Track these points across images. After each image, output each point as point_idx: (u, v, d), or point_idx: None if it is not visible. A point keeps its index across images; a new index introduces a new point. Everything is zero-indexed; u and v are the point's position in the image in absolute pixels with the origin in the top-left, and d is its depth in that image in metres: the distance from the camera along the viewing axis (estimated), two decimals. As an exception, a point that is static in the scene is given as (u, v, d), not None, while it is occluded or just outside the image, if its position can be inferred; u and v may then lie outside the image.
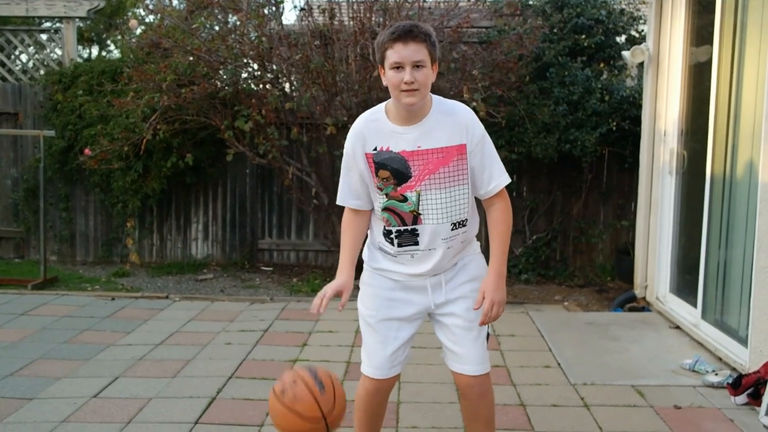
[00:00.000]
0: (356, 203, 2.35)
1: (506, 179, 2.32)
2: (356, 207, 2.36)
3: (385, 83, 2.21)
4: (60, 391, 3.57)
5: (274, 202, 7.13)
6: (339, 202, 2.38)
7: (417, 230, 2.29)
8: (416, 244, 2.31)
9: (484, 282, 2.29)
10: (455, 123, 2.24)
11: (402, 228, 2.30)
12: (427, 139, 2.22)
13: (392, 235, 2.33)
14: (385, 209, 2.30)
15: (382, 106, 2.30)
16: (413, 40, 2.12)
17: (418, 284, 2.37)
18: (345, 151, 2.33)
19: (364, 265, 2.48)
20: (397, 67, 2.14)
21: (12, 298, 5.52)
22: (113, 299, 5.60)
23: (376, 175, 2.27)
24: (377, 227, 2.38)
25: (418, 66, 2.13)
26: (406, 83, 2.12)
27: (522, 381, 3.80)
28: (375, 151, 2.26)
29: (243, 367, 3.99)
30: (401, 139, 2.23)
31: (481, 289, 2.28)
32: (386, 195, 2.28)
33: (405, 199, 2.27)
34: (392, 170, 2.25)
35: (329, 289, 2.28)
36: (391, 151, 2.24)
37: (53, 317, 5.00)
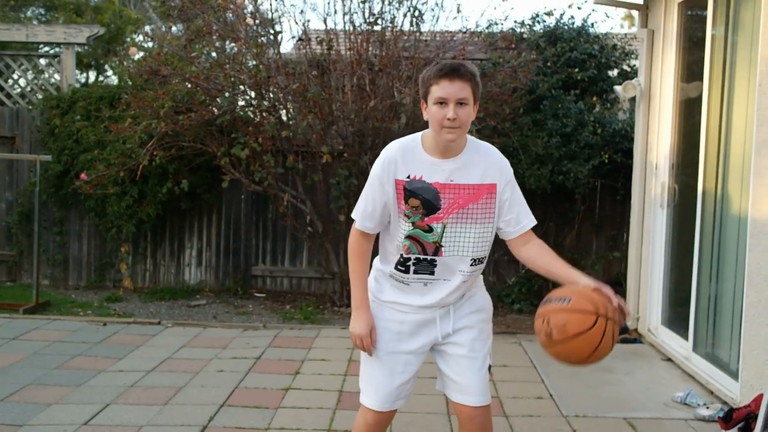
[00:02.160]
0: (371, 226, 2.35)
1: (533, 220, 2.38)
2: (370, 231, 2.36)
3: (426, 117, 2.25)
4: (51, 418, 3.55)
5: (269, 228, 7.15)
6: (358, 223, 2.36)
7: (435, 261, 2.31)
8: (432, 273, 2.33)
9: (591, 282, 2.18)
10: (489, 163, 2.30)
11: (422, 257, 2.32)
12: (461, 174, 2.26)
13: (409, 263, 2.33)
14: (409, 237, 2.31)
15: (418, 136, 2.33)
16: (459, 78, 2.16)
17: (427, 316, 2.37)
18: (373, 173, 2.31)
19: (371, 297, 2.44)
20: (441, 103, 2.18)
21: (3, 323, 5.49)
22: (105, 324, 5.58)
23: (406, 203, 2.28)
24: (392, 254, 2.37)
25: (461, 103, 2.17)
26: (449, 119, 2.16)
27: (514, 412, 3.80)
28: (408, 179, 2.27)
29: (235, 395, 3.98)
30: (435, 171, 2.26)
31: (588, 284, 2.17)
32: (412, 223, 2.29)
33: (430, 230, 2.29)
34: (423, 200, 2.27)
35: (362, 332, 2.34)
36: (424, 181, 2.26)
37: (45, 342, 4.98)
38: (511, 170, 2.35)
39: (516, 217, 2.33)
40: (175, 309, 6.42)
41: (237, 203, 7.14)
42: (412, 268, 2.33)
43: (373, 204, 2.32)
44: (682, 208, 5.00)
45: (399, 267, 2.36)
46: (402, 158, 2.28)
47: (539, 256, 2.36)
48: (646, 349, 5.15)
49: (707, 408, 3.76)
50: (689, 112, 4.98)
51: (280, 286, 7.16)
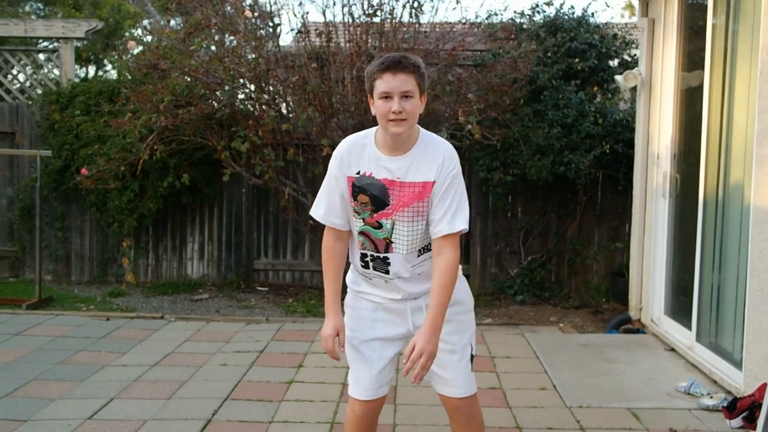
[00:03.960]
0: (338, 222, 2.35)
1: (461, 225, 2.24)
2: (338, 227, 2.36)
3: (373, 112, 2.25)
4: (55, 413, 3.56)
5: (270, 222, 7.15)
6: (321, 219, 2.36)
7: (388, 258, 2.34)
8: (387, 272, 2.35)
9: (417, 333, 2.22)
10: (434, 160, 2.26)
11: (375, 254, 2.35)
12: (408, 172, 2.26)
13: (367, 259, 2.38)
14: (361, 233, 2.35)
15: (372, 131, 2.33)
16: (402, 70, 2.16)
17: (399, 307, 2.40)
18: (330, 168, 2.35)
19: (348, 289, 2.51)
20: (386, 97, 2.17)
21: (6, 318, 5.50)
22: (108, 319, 5.58)
23: (355, 199, 2.31)
24: (355, 250, 2.42)
25: (406, 96, 2.17)
26: (393, 113, 2.16)
27: (518, 403, 3.80)
28: (358, 175, 2.30)
29: (238, 388, 3.99)
30: (384, 168, 2.27)
31: (412, 339, 2.23)
32: (362, 220, 2.32)
33: (380, 226, 2.31)
34: (371, 196, 2.29)
35: (328, 333, 2.33)
36: (373, 178, 2.28)
37: (48, 337, 4.98)
38: (454, 168, 2.26)
39: (439, 218, 2.25)
40: (178, 303, 6.43)
41: (238, 197, 7.13)
42: (370, 264, 2.37)
43: (332, 199, 2.34)
44: (684, 197, 4.99)
45: (360, 262, 2.40)
46: (354, 154, 2.30)
47: (433, 275, 2.27)
48: (649, 340, 5.15)
49: (711, 397, 3.76)
50: (690, 101, 4.96)
51: (282, 279, 7.16)
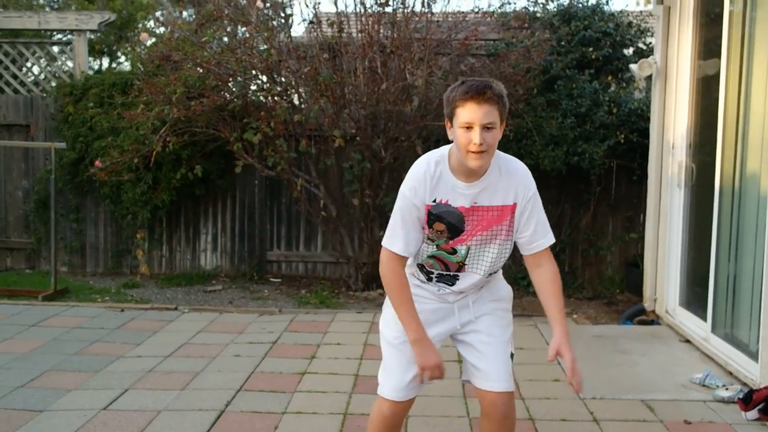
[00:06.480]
0: (411, 251, 2.27)
1: (551, 239, 2.30)
2: (412, 255, 2.30)
3: (450, 137, 2.16)
4: (70, 403, 3.59)
5: (283, 213, 7.16)
6: (398, 251, 2.23)
7: (458, 276, 2.32)
8: (452, 285, 2.34)
9: (557, 341, 2.23)
10: (513, 182, 2.23)
11: (443, 272, 2.33)
12: (485, 196, 2.21)
13: (432, 275, 2.35)
14: (432, 257, 2.31)
15: (445, 154, 2.23)
16: (486, 101, 2.06)
17: (445, 306, 2.38)
18: (404, 195, 2.22)
19: None
20: (467, 127, 2.08)
21: (23, 309, 5.56)
22: (123, 310, 5.62)
23: (431, 227, 2.24)
24: (413, 266, 2.37)
25: (488, 128, 2.08)
26: (475, 144, 2.07)
27: (531, 395, 3.79)
28: (434, 203, 2.21)
29: (252, 379, 4.00)
30: (461, 195, 2.20)
31: (554, 347, 2.23)
32: (437, 246, 2.27)
33: (454, 252, 2.27)
34: (448, 224, 2.23)
35: (439, 359, 2.24)
36: (450, 205, 2.21)
37: (64, 328, 5.03)
38: (533, 185, 2.26)
39: (530, 236, 2.27)
40: (192, 294, 6.46)
41: (251, 188, 7.14)
42: (434, 279, 2.35)
43: (409, 227, 2.24)
44: (700, 187, 4.94)
45: (423, 275, 2.37)
46: (431, 181, 2.21)
47: (540, 291, 2.33)
48: (664, 331, 5.11)
49: (726, 389, 3.73)
50: (707, 89, 4.90)
51: (295, 270, 7.18)
